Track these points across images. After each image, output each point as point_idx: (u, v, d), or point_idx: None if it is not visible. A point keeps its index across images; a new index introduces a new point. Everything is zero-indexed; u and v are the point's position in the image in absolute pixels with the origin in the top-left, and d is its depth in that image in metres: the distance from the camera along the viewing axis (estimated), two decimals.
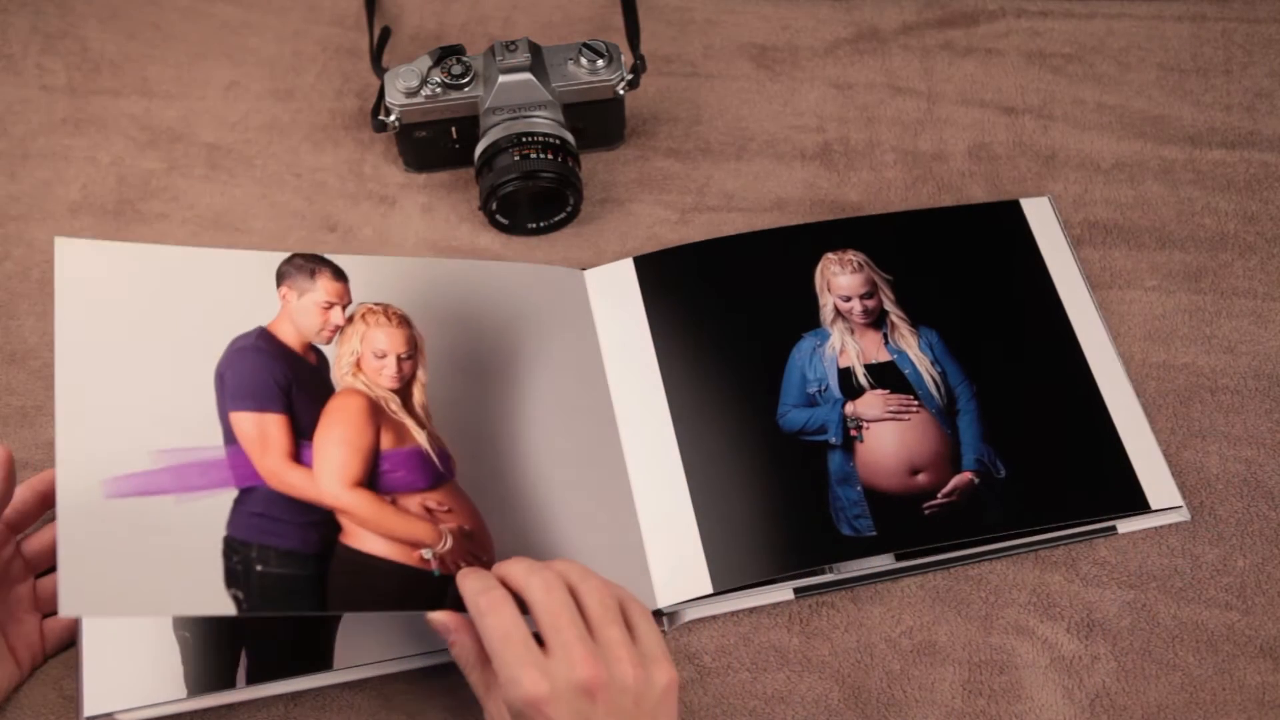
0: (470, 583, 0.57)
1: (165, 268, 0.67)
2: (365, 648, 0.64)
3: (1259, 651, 0.65)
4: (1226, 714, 0.63)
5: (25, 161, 0.85)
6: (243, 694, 0.63)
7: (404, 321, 0.70)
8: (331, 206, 0.83)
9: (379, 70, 0.84)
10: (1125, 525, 0.69)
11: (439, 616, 0.59)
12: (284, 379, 0.66)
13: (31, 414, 0.74)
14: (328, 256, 0.71)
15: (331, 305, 0.69)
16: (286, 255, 0.70)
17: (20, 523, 0.65)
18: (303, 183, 0.84)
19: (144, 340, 0.65)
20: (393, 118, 0.79)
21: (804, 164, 0.84)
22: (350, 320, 0.69)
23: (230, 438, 0.64)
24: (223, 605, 0.59)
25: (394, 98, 0.78)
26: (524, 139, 0.76)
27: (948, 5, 0.93)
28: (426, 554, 0.63)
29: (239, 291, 0.68)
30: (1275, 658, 0.65)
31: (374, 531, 0.63)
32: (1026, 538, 0.68)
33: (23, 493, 0.65)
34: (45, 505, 0.66)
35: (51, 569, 0.67)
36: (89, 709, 0.61)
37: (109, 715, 0.61)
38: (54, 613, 0.66)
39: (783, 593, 0.67)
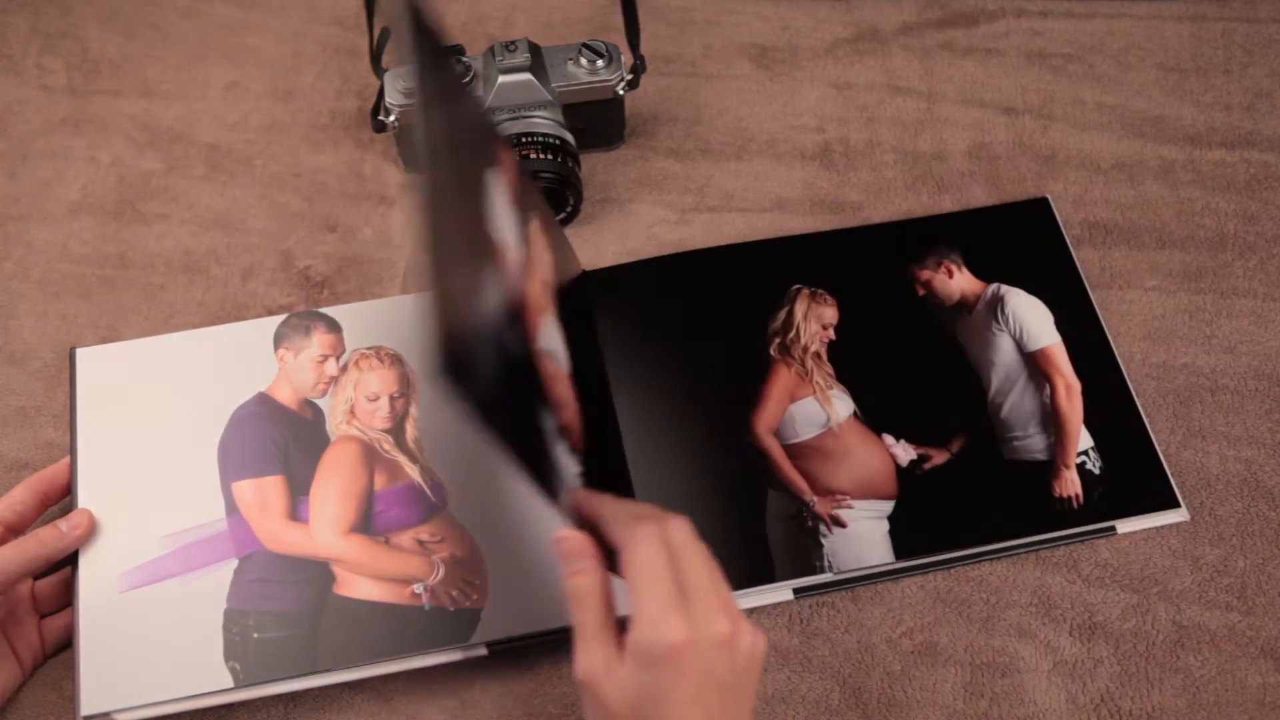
0: (615, 510, 0.52)
1: (172, 355, 0.71)
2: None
3: (1260, 652, 0.65)
4: (1228, 715, 0.63)
5: (25, 161, 0.85)
6: (242, 694, 0.62)
7: (396, 361, 0.71)
8: (331, 206, 0.83)
9: (379, 70, 0.84)
10: (1125, 526, 0.69)
11: (572, 535, 0.53)
12: (281, 439, 0.68)
13: (31, 414, 0.74)
14: (322, 310, 0.73)
15: (326, 358, 0.71)
16: (284, 317, 0.73)
17: (19, 524, 0.65)
18: (303, 183, 0.84)
19: (156, 429, 0.69)
20: (392, 118, 0.79)
21: (804, 164, 0.84)
22: (344, 369, 0.70)
23: (232, 508, 0.66)
24: (221, 679, 0.62)
25: (394, 98, 0.78)
26: (524, 139, 0.76)
27: (948, 5, 0.93)
28: (418, 588, 0.64)
29: (241, 363, 0.71)
30: (1276, 658, 0.65)
31: (368, 575, 0.65)
32: (1027, 538, 0.68)
33: (20, 492, 0.65)
34: (44, 505, 0.66)
35: (51, 571, 0.67)
36: (85, 708, 0.61)
37: (106, 715, 0.61)
38: (53, 613, 0.66)
39: (782, 593, 0.67)
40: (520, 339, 0.57)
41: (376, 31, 0.89)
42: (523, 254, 0.59)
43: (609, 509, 0.53)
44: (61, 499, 0.67)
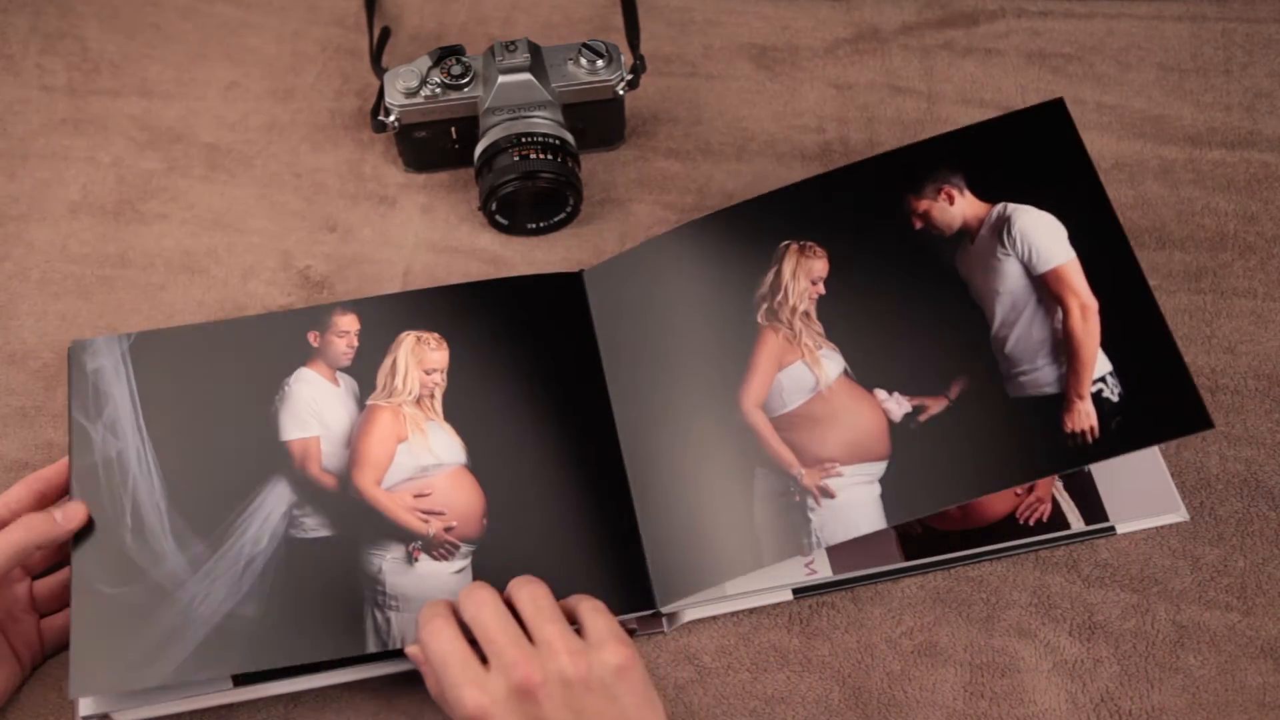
0: (421, 613, 0.58)
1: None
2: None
3: (1260, 652, 0.65)
4: (1228, 715, 0.63)
5: (25, 161, 0.85)
6: (242, 694, 0.63)
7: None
8: (331, 206, 0.83)
9: (379, 70, 0.84)
10: (1125, 526, 0.69)
11: (413, 650, 0.60)
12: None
13: (31, 414, 0.74)
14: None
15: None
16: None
17: None
18: (302, 183, 0.84)
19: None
20: (392, 118, 0.79)
21: (804, 164, 0.84)
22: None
23: None
24: (221, 679, 0.62)
25: (394, 98, 0.78)
26: (524, 139, 0.76)
27: (948, 5, 0.93)
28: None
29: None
30: (1276, 658, 0.65)
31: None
32: (1027, 538, 0.68)
33: (19, 492, 0.65)
34: (41, 504, 0.66)
35: (49, 570, 0.67)
36: (85, 709, 0.61)
37: (105, 715, 0.61)
38: (52, 612, 0.66)
39: (781, 593, 0.67)
40: (344, 505, 0.65)
41: (376, 31, 0.89)
42: (350, 417, 0.68)
43: (422, 615, 0.58)
44: (59, 498, 0.67)
